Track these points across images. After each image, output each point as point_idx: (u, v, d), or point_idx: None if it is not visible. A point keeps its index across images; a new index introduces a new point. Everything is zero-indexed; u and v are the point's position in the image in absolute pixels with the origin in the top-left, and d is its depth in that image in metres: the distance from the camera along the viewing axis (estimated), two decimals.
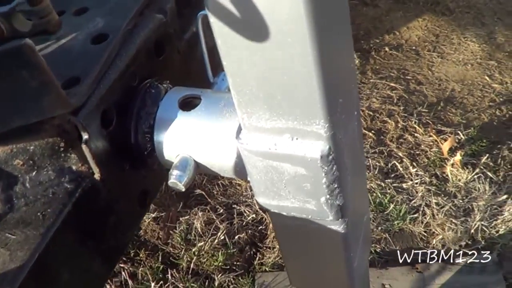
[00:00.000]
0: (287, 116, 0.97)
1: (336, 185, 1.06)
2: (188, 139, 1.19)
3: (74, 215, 1.12)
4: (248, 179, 1.15)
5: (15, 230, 1.08)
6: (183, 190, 1.20)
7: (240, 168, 1.16)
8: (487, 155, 3.43)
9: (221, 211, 3.34)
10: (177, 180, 1.18)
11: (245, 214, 3.29)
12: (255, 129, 1.02)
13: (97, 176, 1.18)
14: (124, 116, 1.23)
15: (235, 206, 3.33)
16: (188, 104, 1.22)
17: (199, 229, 3.24)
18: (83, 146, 1.13)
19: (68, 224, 1.11)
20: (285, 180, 1.08)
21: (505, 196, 3.24)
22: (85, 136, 1.12)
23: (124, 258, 3.21)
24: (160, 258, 3.18)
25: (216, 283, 3.01)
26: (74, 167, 1.16)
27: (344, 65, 1.03)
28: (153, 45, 1.32)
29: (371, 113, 3.78)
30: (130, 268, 3.15)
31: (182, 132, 1.19)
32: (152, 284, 3.02)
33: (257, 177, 1.11)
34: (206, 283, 3.05)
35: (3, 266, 1.02)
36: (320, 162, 1.00)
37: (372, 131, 3.66)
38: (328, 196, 1.08)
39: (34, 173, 1.14)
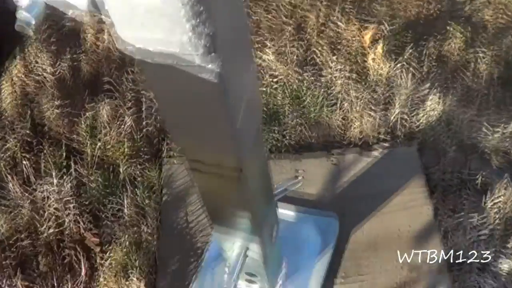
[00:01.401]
0: None
1: (201, 8, 0.91)
2: None
3: None
4: (106, 8, 1.00)
5: None
6: (31, 32, 1.06)
7: None
8: (412, 47, 3.30)
9: (130, 97, 3.17)
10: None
11: (155, 101, 3.10)
12: None
13: None
14: None
15: (144, 92, 3.16)
16: None
17: (105, 118, 3.06)
18: None
19: None
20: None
21: (427, 91, 3.13)
22: None
23: (27, 148, 3.03)
24: (63, 149, 3.00)
25: (121, 170, 2.86)
26: None
27: None
28: None
29: (291, 8, 3.59)
30: (33, 157, 2.97)
31: None
32: (54, 173, 2.84)
33: (115, 3, 0.96)
34: (112, 170, 2.90)
35: None
36: None
37: (293, 20, 3.49)
38: (193, 22, 0.93)
39: None
